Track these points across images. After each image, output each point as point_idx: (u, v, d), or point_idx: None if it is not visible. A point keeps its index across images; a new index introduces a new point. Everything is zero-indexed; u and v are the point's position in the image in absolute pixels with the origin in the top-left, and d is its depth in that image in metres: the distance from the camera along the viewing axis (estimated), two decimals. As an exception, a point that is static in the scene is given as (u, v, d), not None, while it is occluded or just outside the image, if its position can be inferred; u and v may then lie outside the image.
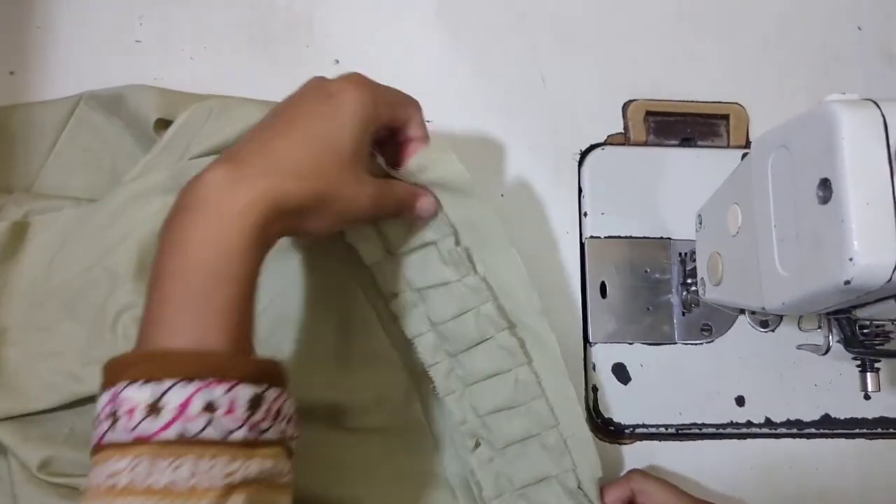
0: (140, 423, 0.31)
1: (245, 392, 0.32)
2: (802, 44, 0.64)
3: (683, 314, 0.58)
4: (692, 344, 0.58)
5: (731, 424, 0.57)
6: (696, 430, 0.56)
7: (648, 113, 0.61)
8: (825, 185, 0.35)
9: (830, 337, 0.45)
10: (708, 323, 0.58)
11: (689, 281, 0.57)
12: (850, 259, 0.33)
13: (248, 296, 0.35)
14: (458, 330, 0.48)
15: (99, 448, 0.32)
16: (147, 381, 0.31)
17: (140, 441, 0.31)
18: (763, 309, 0.41)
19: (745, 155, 0.45)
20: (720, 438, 0.57)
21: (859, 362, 0.45)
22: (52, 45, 0.58)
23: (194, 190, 0.35)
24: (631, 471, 0.52)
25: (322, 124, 0.39)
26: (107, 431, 0.31)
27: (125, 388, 0.31)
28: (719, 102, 0.62)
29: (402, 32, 0.61)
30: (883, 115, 0.35)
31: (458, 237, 0.48)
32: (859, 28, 0.65)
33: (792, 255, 0.38)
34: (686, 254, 0.58)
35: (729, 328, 0.58)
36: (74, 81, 0.56)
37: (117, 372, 0.32)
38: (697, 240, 0.54)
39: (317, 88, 0.40)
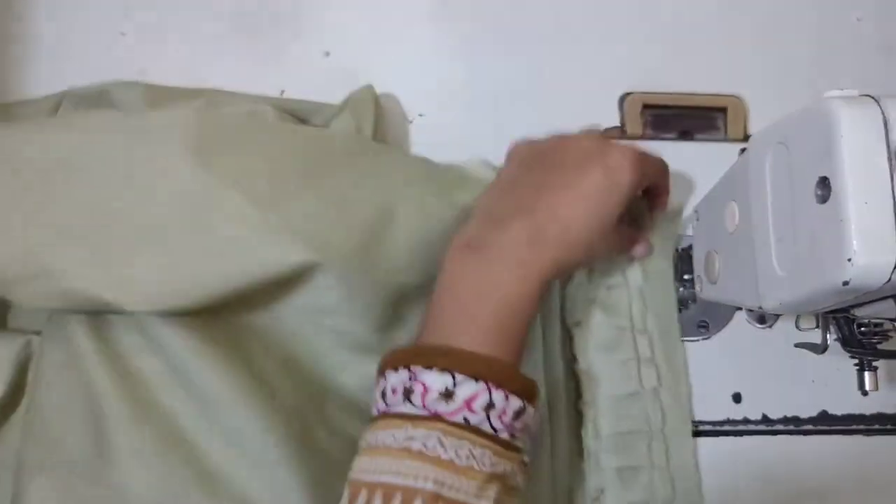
0: (434, 402, 0.37)
1: (515, 402, 0.39)
2: (801, 35, 0.63)
3: (680, 310, 0.57)
4: (689, 340, 0.57)
5: (728, 422, 0.57)
6: (693, 428, 0.56)
7: (645, 106, 0.60)
8: (824, 183, 0.34)
9: (828, 336, 0.44)
10: (705, 319, 0.57)
11: (686, 277, 0.56)
12: (849, 259, 0.32)
13: (528, 328, 0.43)
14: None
15: (387, 415, 0.38)
16: (443, 371, 0.38)
17: (434, 417, 0.37)
18: (760, 308, 0.40)
19: (742, 150, 0.45)
20: (717, 436, 0.57)
21: (857, 361, 0.44)
22: (33, 38, 0.57)
23: (499, 242, 0.43)
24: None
25: (603, 202, 0.45)
26: (398, 403, 0.38)
27: (423, 372, 0.38)
28: (717, 95, 0.61)
29: (394, 24, 0.60)
30: (883, 112, 0.34)
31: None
32: (858, 19, 0.64)
33: (790, 255, 0.37)
34: (683, 249, 0.57)
35: (726, 324, 0.57)
36: (57, 75, 0.55)
37: (413, 357, 0.39)
38: (694, 236, 0.53)
39: (600, 157, 0.45)
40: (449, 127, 0.58)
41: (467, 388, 0.38)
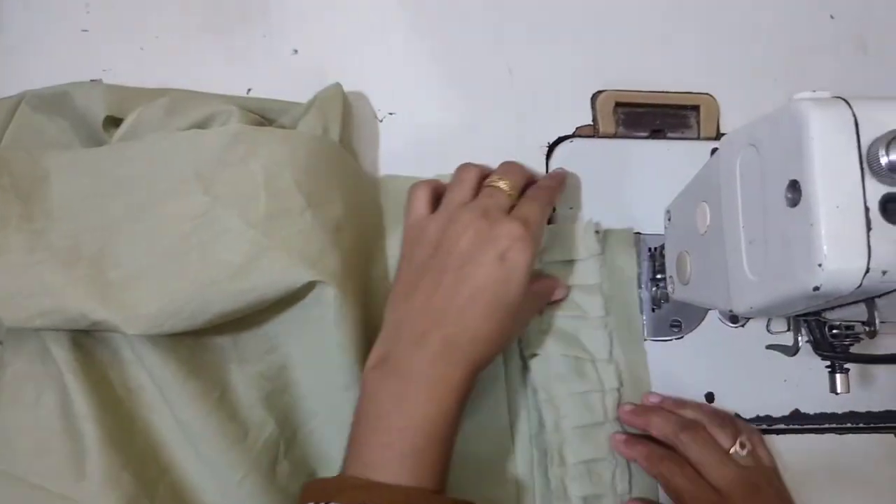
0: None
1: None
2: (774, 33, 0.63)
3: (653, 310, 0.57)
4: (662, 340, 0.57)
5: (701, 421, 0.57)
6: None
7: (618, 104, 0.60)
8: (794, 186, 0.34)
9: (800, 338, 0.44)
10: (678, 319, 0.57)
11: (658, 277, 0.56)
12: (819, 264, 0.32)
13: (452, 444, 0.43)
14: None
15: None
16: None
17: None
18: (731, 312, 0.40)
19: (714, 150, 0.44)
20: (690, 436, 0.57)
21: (829, 363, 0.44)
22: (-10, 35, 0.55)
23: (410, 361, 0.43)
24: None
25: (503, 293, 0.44)
26: None
27: None
28: (689, 93, 0.61)
29: (364, 21, 0.59)
30: (854, 115, 0.33)
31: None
32: (832, 17, 0.64)
33: (760, 259, 0.37)
34: (656, 249, 0.56)
35: (699, 324, 0.57)
36: (15, 74, 0.53)
37: (332, 493, 0.39)
38: (666, 236, 0.53)
39: (488, 247, 0.45)
40: (420, 126, 0.58)
41: None
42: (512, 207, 0.48)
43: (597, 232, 0.55)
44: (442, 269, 0.45)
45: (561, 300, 0.54)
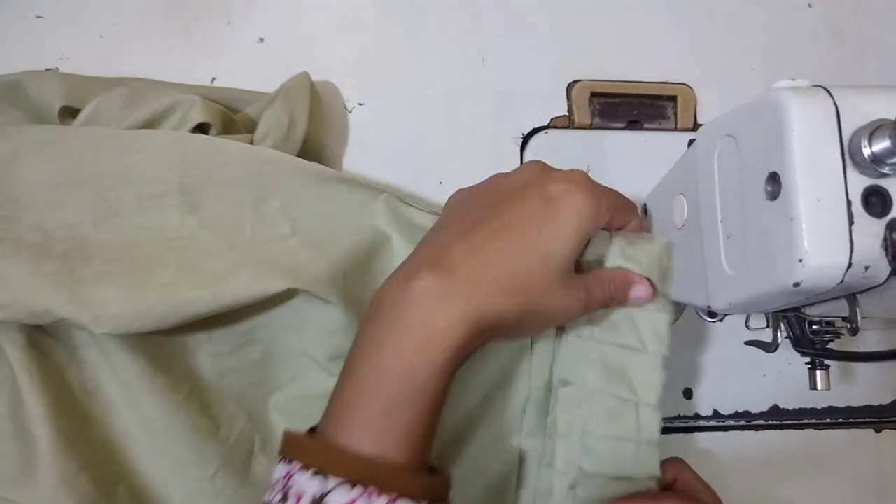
0: None
1: None
2: (751, 22, 0.62)
3: (631, 305, 0.56)
4: (639, 336, 0.56)
5: (679, 418, 0.56)
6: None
7: (594, 94, 0.58)
8: (774, 179, 0.33)
9: (779, 334, 0.43)
10: (655, 314, 0.56)
11: (635, 271, 0.54)
12: (800, 260, 0.31)
13: (436, 411, 0.35)
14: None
15: None
16: (316, 473, 0.32)
17: None
18: (709, 308, 0.39)
19: (691, 141, 0.43)
20: (668, 433, 0.56)
21: (809, 359, 0.43)
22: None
23: (401, 294, 0.34)
24: (676, 459, 0.46)
25: (539, 235, 0.36)
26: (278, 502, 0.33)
27: (298, 471, 0.33)
28: (666, 83, 0.59)
29: (333, 8, 0.57)
30: (835, 104, 0.32)
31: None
32: (810, 5, 0.63)
33: (739, 254, 0.36)
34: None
35: (677, 319, 0.56)
36: (-35, 63, 0.51)
37: (294, 449, 0.34)
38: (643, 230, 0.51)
39: (537, 185, 0.37)
40: (391, 117, 0.56)
41: (340, 495, 0.32)
42: None
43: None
44: (474, 206, 0.39)
45: (636, 303, 0.42)
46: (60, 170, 0.46)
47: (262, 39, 0.55)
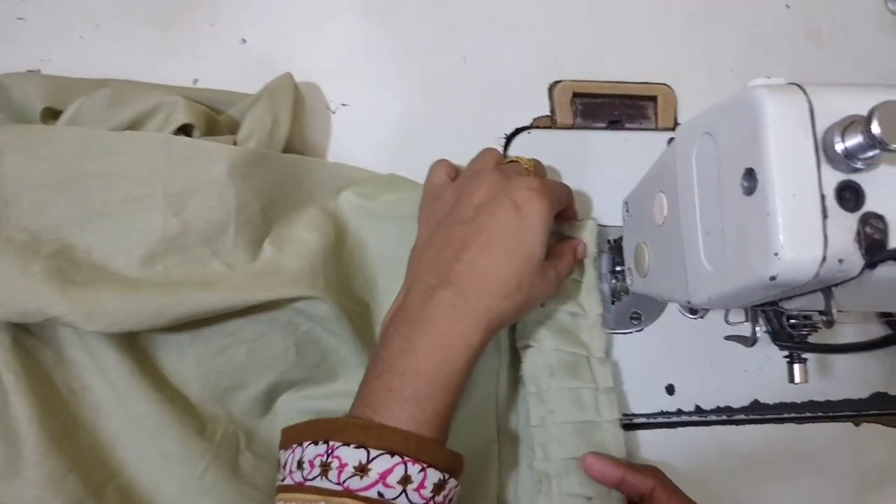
0: (349, 478, 0.37)
1: (434, 475, 0.39)
2: (730, 22, 0.63)
3: (613, 302, 0.56)
4: (622, 333, 0.56)
5: (662, 413, 0.56)
6: (627, 420, 0.55)
7: (575, 95, 0.59)
8: (750, 175, 0.33)
9: (757, 329, 0.43)
10: (637, 311, 0.57)
11: (618, 269, 0.55)
12: (776, 254, 0.31)
13: (456, 399, 0.42)
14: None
15: (304, 488, 0.38)
16: (359, 447, 0.38)
17: (348, 493, 0.37)
18: (689, 303, 0.39)
19: (671, 140, 0.44)
20: (651, 428, 0.56)
21: (787, 353, 0.44)
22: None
23: (425, 307, 0.42)
24: (656, 469, 0.51)
25: (517, 240, 0.44)
26: (316, 477, 0.38)
27: (340, 447, 0.38)
28: (647, 83, 0.60)
29: (316, 9, 0.57)
30: (809, 101, 0.33)
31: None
32: (787, 6, 0.64)
33: (717, 249, 0.36)
34: (615, 240, 0.56)
35: (659, 316, 0.57)
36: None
37: (332, 431, 0.39)
38: (625, 228, 0.52)
39: (504, 196, 0.45)
40: (374, 117, 0.56)
41: (382, 462, 0.38)
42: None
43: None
44: (454, 222, 0.45)
45: (581, 257, 0.53)
46: (45, 170, 0.46)
47: (244, 40, 0.56)
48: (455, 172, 0.52)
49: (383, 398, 0.40)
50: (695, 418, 0.57)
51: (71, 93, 0.50)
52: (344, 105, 0.56)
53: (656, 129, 0.59)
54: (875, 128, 0.30)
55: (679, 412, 0.56)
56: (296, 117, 0.52)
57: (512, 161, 0.51)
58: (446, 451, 0.41)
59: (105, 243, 0.46)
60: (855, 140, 0.31)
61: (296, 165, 0.51)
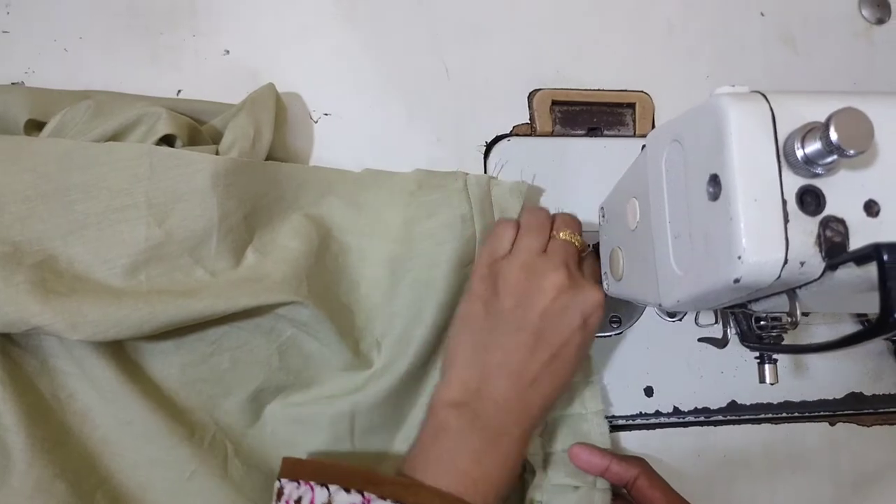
0: None
1: None
2: (706, 30, 0.64)
3: (592, 306, 0.57)
4: (601, 336, 0.57)
5: (641, 415, 0.57)
6: (607, 422, 0.56)
7: (555, 102, 0.60)
8: (714, 181, 0.34)
9: (728, 330, 0.44)
10: (616, 315, 0.57)
11: (596, 273, 0.56)
12: (739, 257, 0.32)
13: (501, 492, 0.44)
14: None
15: None
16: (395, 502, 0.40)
17: None
18: (660, 306, 0.40)
19: (644, 146, 0.44)
20: (630, 429, 0.57)
21: (758, 354, 0.45)
22: None
23: (496, 425, 0.44)
24: (641, 460, 0.52)
25: (578, 359, 0.47)
26: None
27: (375, 498, 0.40)
28: (625, 91, 0.61)
29: (298, 20, 0.58)
30: (771, 109, 0.34)
31: None
32: (762, 14, 0.65)
33: (686, 253, 0.37)
34: (593, 246, 0.57)
35: (637, 319, 0.58)
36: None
37: (402, 489, 0.41)
38: (601, 233, 0.53)
39: (574, 312, 0.46)
40: (356, 127, 0.57)
41: None
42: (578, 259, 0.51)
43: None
44: (523, 327, 0.46)
45: None
46: (28, 182, 0.46)
47: (227, 51, 0.56)
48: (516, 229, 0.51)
49: (444, 472, 0.42)
50: (673, 419, 0.58)
51: (55, 104, 0.50)
52: (326, 114, 0.57)
53: (635, 135, 0.61)
54: (832, 134, 0.31)
55: (658, 413, 0.57)
56: (278, 127, 0.53)
57: (563, 240, 0.50)
58: None
59: (88, 254, 0.46)
60: (814, 146, 0.32)
61: (278, 173, 0.52)
